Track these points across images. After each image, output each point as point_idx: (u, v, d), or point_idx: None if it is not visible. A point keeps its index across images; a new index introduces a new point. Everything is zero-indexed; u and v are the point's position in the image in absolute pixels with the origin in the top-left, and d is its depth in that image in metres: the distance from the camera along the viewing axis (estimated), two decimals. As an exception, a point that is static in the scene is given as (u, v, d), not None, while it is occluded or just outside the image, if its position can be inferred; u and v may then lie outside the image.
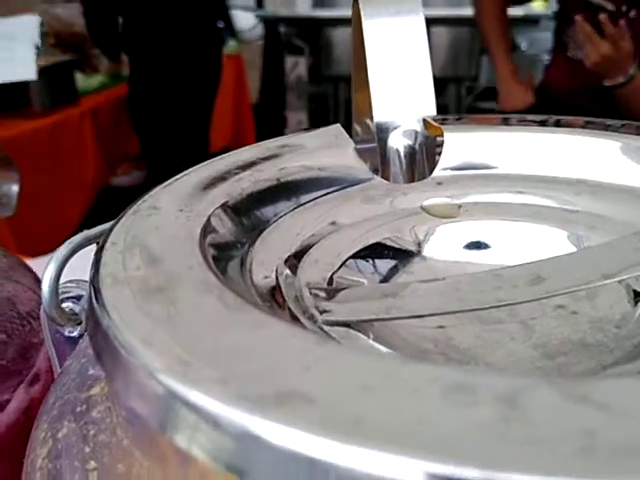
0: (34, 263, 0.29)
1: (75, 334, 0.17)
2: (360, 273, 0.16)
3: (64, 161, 1.42)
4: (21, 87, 1.20)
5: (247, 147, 0.18)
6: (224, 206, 0.15)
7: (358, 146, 0.20)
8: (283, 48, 2.51)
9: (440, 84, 2.28)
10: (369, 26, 0.22)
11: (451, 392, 0.08)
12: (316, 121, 2.50)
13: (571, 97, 0.99)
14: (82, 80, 1.59)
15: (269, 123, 2.28)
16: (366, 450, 0.07)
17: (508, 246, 0.17)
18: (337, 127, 0.21)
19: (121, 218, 0.14)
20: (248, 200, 0.15)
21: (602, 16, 0.87)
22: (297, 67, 2.54)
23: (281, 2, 2.56)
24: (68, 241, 0.17)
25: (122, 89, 1.66)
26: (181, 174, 0.17)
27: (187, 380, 0.09)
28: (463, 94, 2.38)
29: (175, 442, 0.09)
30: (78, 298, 0.18)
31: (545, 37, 1.87)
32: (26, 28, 0.42)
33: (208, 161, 0.17)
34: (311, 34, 2.55)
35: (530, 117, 0.22)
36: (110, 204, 1.60)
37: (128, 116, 1.58)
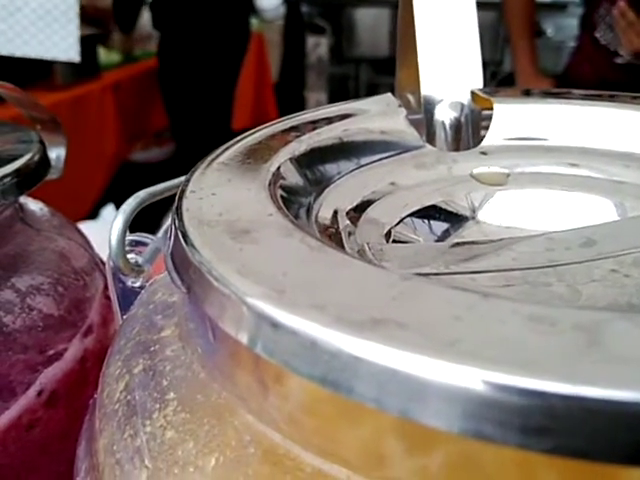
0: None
1: (137, 284, 0.18)
2: (416, 232, 0.16)
3: (85, 135, 1.43)
4: (43, 60, 1.21)
5: (306, 111, 0.19)
6: (291, 160, 0.15)
7: (409, 116, 0.20)
8: (305, 28, 2.50)
9: (462, 68, 2.25)
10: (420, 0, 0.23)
11: (533, 321, 0.09)
12: (336, 102, 2.48)
13: (593, 86, 0.98)
14: (104, 55, 1.60)
15: (288, 103, 2.28)
16: (461, 367, 0.08)
17: (557, 213, 0.18)
18: (388, 96, 0.22)
19: (194, 172, 0.15)
20: (313, 156, 0.16)
21: None
22: (318, 47, 2.53)
23: (304, -19, 2.54)
24: (134, 195, 0.18)
25: (144, 65, 1.66)
26: (244, 134, 0.17)
27: (284, 306, 0.09)
28: (487, 79, 2.36)
29: (272, 367, 0.10)
30: (139, 252, 0.19)
31: (572, 23, 1.85)
32: (66, 3, 0.43)
33: (268, 123, 0.18)
34: (333, 14, 2.54)
35: (580, 91, 0.22)
36: (129, 179, 1.61)
37: (154, 90, 1.60)
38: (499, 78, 2.33)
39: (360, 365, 0.08)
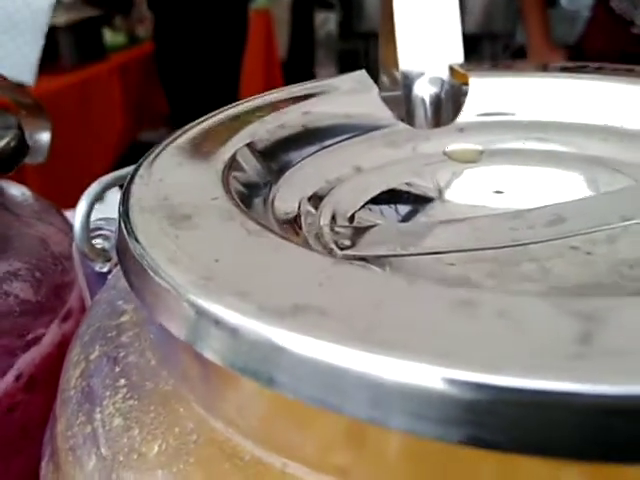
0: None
1: (105, 270, 0.18)
2: (381, 215, 0.16)
3: (92, 116, 1.43)
4: (50, 42, 1.20)
5: (272, 91, 0.18)
6: (249, 145, 0.15)
7: (382, 93, 0.20)
8: (313, 3, 2.47)
9: (475, 41, 2.22)
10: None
11: (456, 306, 0.08)
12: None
13: (608, 57, 0.96)
14: (110, 36, 1.59)
15: (298, 80, 2.26)
16: (374, 355, 0.08)
17: (529, 191, 0.18)
18: (362, 73, 0.21)
19: (148, 156, 0.15)
20: (272, 141, 0.16)
21: None
22: (327, 23, 2.50)
23: (311, -44, 2.49)
24: (98, 180, 0.18)
25: (150, 47, 1.65)
26: (205, 116, 0.17)
27: (209, 293, 0.09)
28: (499, 51, 2.31)
29: (199, 354, 0.10)
30: (108, 237, 0.19)
31: (585, -8, 1.81)
32: (37, 15, 0.41)
33: (233, 104, 0.18)
34: (341, -12, 2.50)
35: (560, 65, 0.21)
36: (137, 159, 1.61)
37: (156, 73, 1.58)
38: (512, 50, 2.28)
39: (279, 354, 0.08)
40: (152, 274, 0.10)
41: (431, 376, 0.07)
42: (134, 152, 1.59)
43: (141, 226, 0.11)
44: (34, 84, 0.42)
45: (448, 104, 0.22)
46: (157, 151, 0.15)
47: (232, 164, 0.14)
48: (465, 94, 0.21)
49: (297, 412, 0.10)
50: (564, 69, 0.21)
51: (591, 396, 0.07)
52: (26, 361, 0.21)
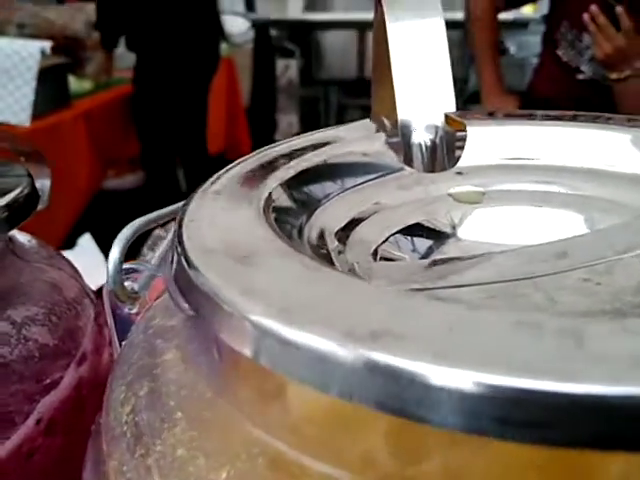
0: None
1: (134, 310, 0.19)
2: (400, 249, 0.17)
3: (58, 165, 1.42)
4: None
5: (292, 139, 0.20)
6: (281, 186, 0.16)
7: (389, 139, 0.22)
8: (274, 51, 2.53)
9: (429, 87, 2.30)
10: (393, 29, 0.24)
11: (520, 326, 0.10)
12: (307, 124, 2.53)
13: (556, 102, 1.02)
14: (74, 83, 1.60)
15: (260, 126, 2.30)
16: (461, 371, 0.09)
17: (530, 228, 0.19)
18: (367, 122, 0.23)
19: (190, 201, 0.16)
20: (301, 181, 0.17)
21: (619, 9, 0.89)
22: (288, 70, 2.56)
23: (272, 6, 2.58)
24: (130, 223, 0.19)
25: (115, 92, 1.67)
26: (233, 164, 0.18)
27: (290, 323, 0.10)
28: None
29: (277, 380, 0.10)
30: (135, 279, 0.20)
31: (534, 41, 1.91)
32: (26, 63, 0.42)
33: (254, 152, 0.19)
34: (302, 37, 2.57)
35: (544, 112, 0.23)
36: (103, 207, 1.61)
37: (126, 117, 1.61)
38: (465, 97, 2.38)
39: (365, 374, 0.09)
40: (229, 308, 0.11)
41: (518, 387, 0.09)
42: (100, 200, 1.58)
43: (207, 265, 0.12)
44: (29, 125, 0.44)
45: (444, 150, 0.23)
46: (197, 197, 0.16)
47: (269, 205, 0.16)
48: (460, 140, 0.23)
49: (364, 432, 0.11)
50: (549, 117, 0.23)
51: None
52: (45, 405, 0.21)
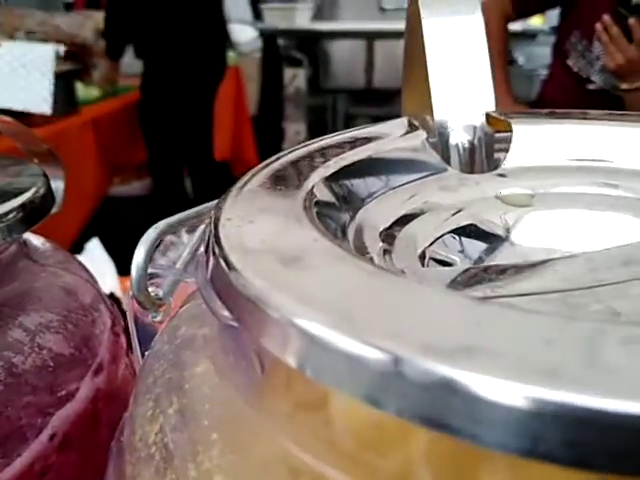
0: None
1: (158, 318, 0.18)
2: (450, 253, 0.16)
3: (66, 171, 1.42)
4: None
5: (327, 136, 0.18)
6: (324, 182, 0.15)
7: (429, 139, 0.20)
8: (282, 60, 2.53)
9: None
10: (429, 24, 0.23)
11: (627, 342, 0.08)
12: (314, 132, 2.52)
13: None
14: (82, 90, 1.60)
15: (267, 135, 2.29)
16: (571, 395, 0.07)
17: (586, 233, 0.18)
18: (403, 120, 0.22)
19: (224, 200, 0.14)
20: (344, 179, 0.16)
21: (631, 20, 0.88)
22: (296, 79, 2.56)
23: (280, 15, 2.57)
24: (154, 226, 0.17)
25: (123, 99, 1.66)
26: (266, 162, 0.17)
27: (357, 335, 0.09)
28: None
29: (341, 400, 0.09)
30: (159, 284, 0.18)
31: (542, 52, 1.90)
32: (42, 58, 0.42)
33: (291, 149, 0.18)
34: (310, 46, 2.57)
35: (592, 112, 0.22)
36: (110, 214, 1.60)
37: (134, 124, 1.61)
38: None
39: (456, 395, 0.08)
40: (282, 317, 0.10)
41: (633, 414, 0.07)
42: (107, 206, 1.57)
43: (252, 268, 0.11)
44: (51, 113, 0.44)
45: (482, 150, 0.22)
46: (232, 194, 0.15)
47: (311, 203, 0.14)
48: (500, 141, 0.22)
49: (403, 448, 0.09)
50: (592, 116, 0.22)
51: None
52: (60, 419, 0.20)
